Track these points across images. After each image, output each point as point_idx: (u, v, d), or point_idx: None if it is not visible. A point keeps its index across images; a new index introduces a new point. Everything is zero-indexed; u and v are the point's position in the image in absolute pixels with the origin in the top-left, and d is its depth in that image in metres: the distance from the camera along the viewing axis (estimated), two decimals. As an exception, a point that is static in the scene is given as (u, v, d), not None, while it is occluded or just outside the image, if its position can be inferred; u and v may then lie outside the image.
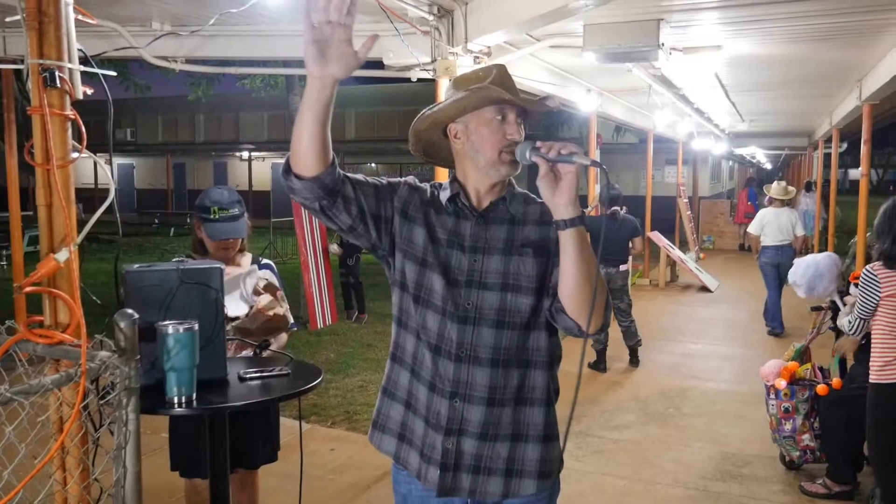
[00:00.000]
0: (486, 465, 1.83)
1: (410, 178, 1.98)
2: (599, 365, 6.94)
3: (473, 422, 1.82)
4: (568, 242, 1.68)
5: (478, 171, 1.86)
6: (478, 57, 4.45)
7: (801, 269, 4.62)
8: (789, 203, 8.92)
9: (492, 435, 1.83)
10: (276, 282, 3.23)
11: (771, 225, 8.57)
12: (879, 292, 3.65)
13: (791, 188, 9.08)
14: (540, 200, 1.90)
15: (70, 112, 2.02)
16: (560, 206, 1.66)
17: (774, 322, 8.64)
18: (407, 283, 1.88)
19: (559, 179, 1.67)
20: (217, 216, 3.01)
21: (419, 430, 1.88)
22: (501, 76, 1.84)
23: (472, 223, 1.87)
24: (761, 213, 8.88)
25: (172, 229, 22.52)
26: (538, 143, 1.71)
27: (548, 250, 1.83)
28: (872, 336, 3.77)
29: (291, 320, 3.26)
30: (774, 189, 8.82)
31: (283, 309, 3.12)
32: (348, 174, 1.81)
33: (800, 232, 8.63)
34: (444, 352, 1.83)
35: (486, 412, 1.81)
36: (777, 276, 8.41)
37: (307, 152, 1.66)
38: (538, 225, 1.86)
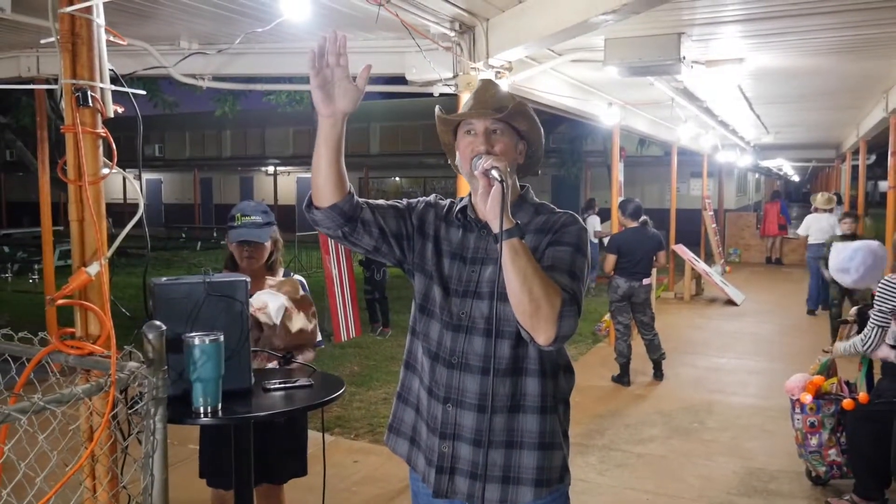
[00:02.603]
0: (482, 472, 1.86)
1: (431, 197, 2.08)
2: (623, 378, 6.91)
3: (467, 427, 1.87)
4: (501, 253, 1.67)
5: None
6: (499, 72, 4.49)
7: (860, 256, 4.49)
8: (830, 210, 10.71)
9: (486, 441, 1.86)
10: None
11: (814, 227, 10.54)
12: None
13: (833, 196, 11.17)
14: (557, 210, 1.93)
15: (101, 130, 2.08)
16: (489, 220, 1.70)
17: (810, 301, 10.62)
18: (416, 294, 1.99)
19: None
20: (239, 222, 3.10)
21: (424, 433, 1.95)
22: (476, 92, 1.94)
23: (475, 235, 1.94)
24: (807, 218, 10.87)
25: (199, 243, 22.74)
26: (482, 158, 1.76)
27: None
28: None
29: (319, 338, 3.30)
30: (819, 200, 10.88)
31: (311, 325, 3.17)
32: (368, 200, 1.92)
33: (839, 232, 9.85)
34: (441, 358, 1.90)
35: (478, 418, 1.85)
36: (819, 268, 9.83)
37: (326, 183, 1.81)
38: (534, 234, 1.88)
